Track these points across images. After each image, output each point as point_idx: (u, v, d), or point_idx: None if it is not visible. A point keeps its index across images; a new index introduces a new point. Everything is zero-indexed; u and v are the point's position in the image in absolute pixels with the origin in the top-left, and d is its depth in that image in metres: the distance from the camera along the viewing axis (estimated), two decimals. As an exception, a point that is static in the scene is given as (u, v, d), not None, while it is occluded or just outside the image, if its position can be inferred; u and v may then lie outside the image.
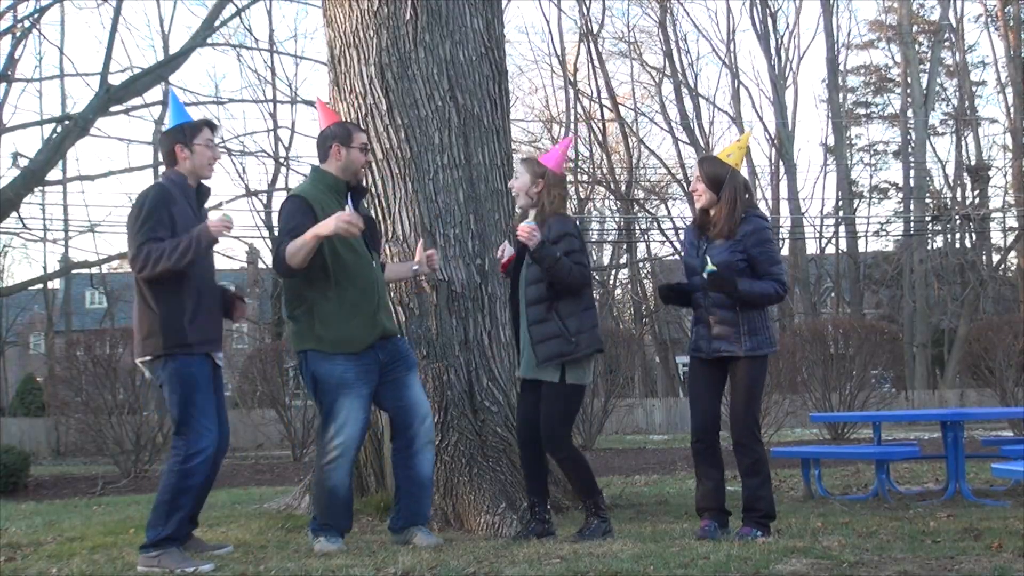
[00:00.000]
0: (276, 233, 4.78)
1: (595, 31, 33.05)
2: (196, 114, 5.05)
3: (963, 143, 33.98)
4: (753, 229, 4.85)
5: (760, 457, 4.87)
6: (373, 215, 5.07)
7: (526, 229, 4.75)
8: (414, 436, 4.90)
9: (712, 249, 4.87)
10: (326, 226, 4.57)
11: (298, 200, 4.78)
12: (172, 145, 4.78)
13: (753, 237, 4.83)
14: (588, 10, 32.66)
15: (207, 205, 4.98)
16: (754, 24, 33.09)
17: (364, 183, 5.14)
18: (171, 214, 4.60)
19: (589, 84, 33.91)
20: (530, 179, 4.96)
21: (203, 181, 4.87)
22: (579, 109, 33.62)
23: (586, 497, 4.91)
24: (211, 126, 4.89)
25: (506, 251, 5.09)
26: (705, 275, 4.80)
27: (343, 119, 5.55)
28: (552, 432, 4.87)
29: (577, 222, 5.12)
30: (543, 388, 4.88)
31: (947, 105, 35.84)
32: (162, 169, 4.96)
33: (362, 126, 5.96)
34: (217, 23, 16.68)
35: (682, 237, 5.37)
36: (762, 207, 33.10)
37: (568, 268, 4.77)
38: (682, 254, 5.35)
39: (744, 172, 5.18)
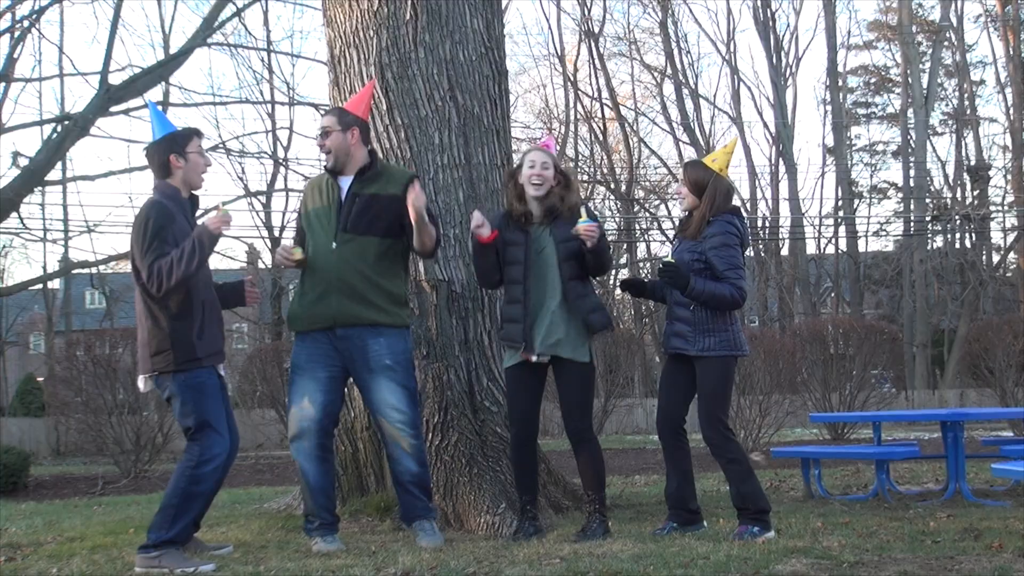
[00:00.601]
0: None
1: (596, 32, 33.07)
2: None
3: (963, 143, 34.03)
4: (715, 232, 4.90)
5: (734, 456, 4.90)
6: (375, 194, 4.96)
7: (588, 228, 4.81)
8: (384, 436, 4.97)
9: (679, 250, 5.00)
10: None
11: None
12: (166, 156, 4.75)
13: (712, 240, 4.90)
14: (589, 10, 32.70)
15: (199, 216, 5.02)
16: (756, 24, 33.14)
17: (371, 161, 5.04)
18: (175, 231, 4.61)
19: (590, 84, 33.97)
20: (553, 173, 5.01)
21: (194, 191, 4.87)
22: (579, 109, 33.66)
23: (595, 491, 4.91)
24: (199, 134, 4.90)
25: (486, 226, 4.94)
26: (657, 269, 4.91)
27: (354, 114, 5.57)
28: (585, 416, 4.93)
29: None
30: (566, 373, 4.88)
31: (947, 105, 35.88)
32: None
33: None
34: (216, 23, 16.69)
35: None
36: (762, 207, 33.33)
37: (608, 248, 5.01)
38: None
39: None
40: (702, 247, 4.91)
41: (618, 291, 35.65)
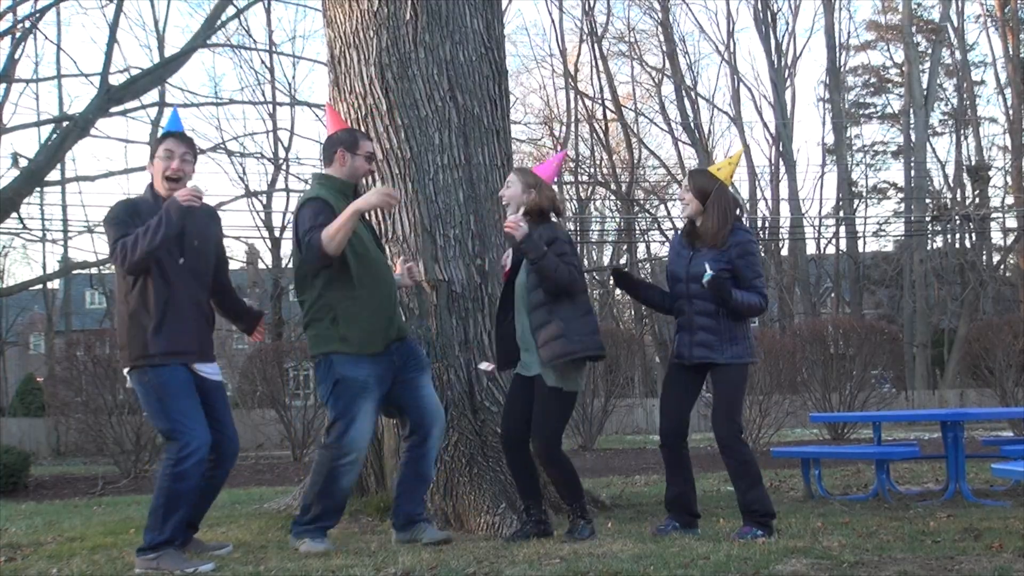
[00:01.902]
0: (297, 234, 4.78)
1: (599, 33, 33.09)
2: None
3: (963, 143, 34.03)
4: (738, 241, 4.98)
5: (746, 458, 4.93)
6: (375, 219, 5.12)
7: (513, 220, 4.81)
8: (426, 436, 4.95)
9: (700, 258, 4.99)
10: (367, 200, 4.72)
11: (318, 201, 4.81)
12: (148, 162, 4.83)
13: (738, 248, 4.97)
14: (592, 8, 32.70)
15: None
16: (756, 24, 33.15)
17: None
18: (138, 223, 4.58)
19: (592, 84, 33.98)
20: (522, 189, 4.98)
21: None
22: (580, 109, 33.66)
23: (572, 502, 4.93)
24: (177, 136, 4.81)
25: (509, 259, 5.13)
26: (705, 280, 4.89)
27: (350, 125, 5.64)
28: (546, 436, 4.87)
29: (568, 229, 5.22)
30: (538, 390, 4.88)
31: (947, 105, 35.87)
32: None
33: (363, 127, 6.00)
34: (217, 24, 16.69)
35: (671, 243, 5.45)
36: (762, 207, 33.33)
37: (554, 265, 4.77)
38: (667, 261, 5.44)
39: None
40: (728, 255, 4.96)
41: (618, 291, 35.72)
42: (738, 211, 5.14)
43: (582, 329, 4.84)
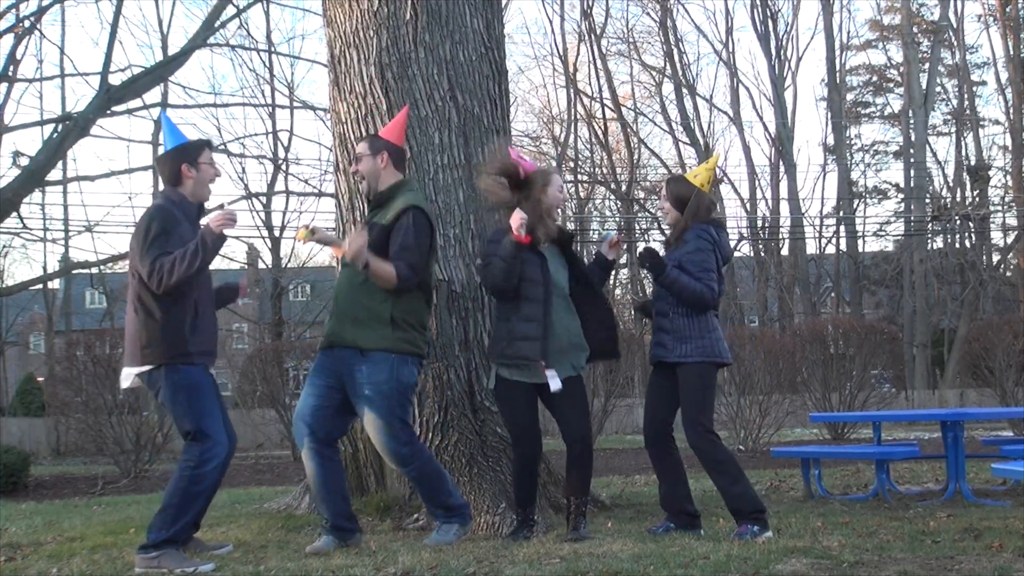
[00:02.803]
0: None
1: (598, 32, 33.09)
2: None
3: (963, 143, 34.02)
4: (689, 238, 5.03)
5: (719, 457, 4.94)
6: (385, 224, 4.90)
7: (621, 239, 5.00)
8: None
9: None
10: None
11: None
12: (178, 166, 4.81)
13: (687, 246, 5.02)
14: (591, 8, 32.70)
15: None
16: (755, 24, 33.17)
17: (379, 194, 5.06)
18: (179, 234, 4.63)
19: (590, 84, 33.98)
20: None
21: (202, 203, 4.93)
22: (580, 109, 33.66)
23: (581, 495, 4.94)
24: (210, 145, 4.97)
25: (523, 228, 4.81)
26: (641, 251, 5.06)
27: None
28: (589, 422, 5.01)
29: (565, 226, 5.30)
30: (572, 385, 4.92)
31: (947, 105, 35.87)
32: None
33: (363, 127, 6.04)
34: (217, 24, 16.70)
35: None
36: (762, 207, 33.29)
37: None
38: None
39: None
40: (677, 253, 5.03)
41: (618, 291, 35.72)
42: (708, 212, 5.14)
43: None
